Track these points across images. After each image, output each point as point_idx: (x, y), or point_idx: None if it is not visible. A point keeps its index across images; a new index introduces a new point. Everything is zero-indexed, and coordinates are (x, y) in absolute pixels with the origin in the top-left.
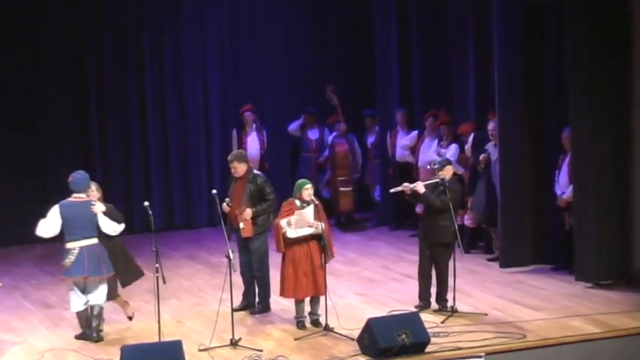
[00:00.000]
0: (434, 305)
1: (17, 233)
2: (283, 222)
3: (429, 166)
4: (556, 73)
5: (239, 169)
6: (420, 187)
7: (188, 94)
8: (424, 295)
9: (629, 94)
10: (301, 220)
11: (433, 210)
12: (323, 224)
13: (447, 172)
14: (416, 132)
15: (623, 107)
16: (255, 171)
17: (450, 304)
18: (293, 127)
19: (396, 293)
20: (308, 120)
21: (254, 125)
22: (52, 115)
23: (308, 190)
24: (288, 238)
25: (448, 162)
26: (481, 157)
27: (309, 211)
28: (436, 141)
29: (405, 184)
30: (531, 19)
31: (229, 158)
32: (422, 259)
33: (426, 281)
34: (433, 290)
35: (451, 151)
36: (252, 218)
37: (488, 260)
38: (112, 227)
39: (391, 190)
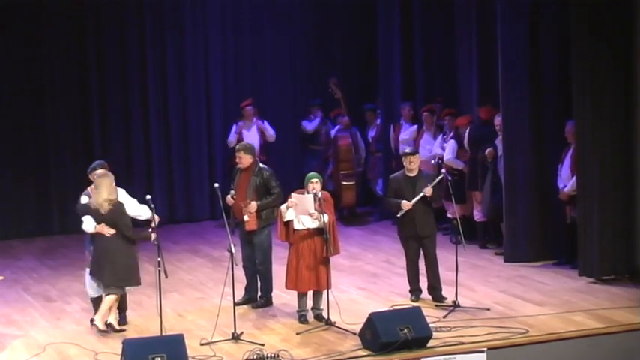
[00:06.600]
0: (426, 294)
1: (18, 226)
2: (283, 207)
3: (432, 161)
4: (560, 67)
5: (244, 160)
6: (428, 191)
7: (190, 88)
8: (415, 287)
9: (632, 88)
10: (300, 205)
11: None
12: (326, 217)
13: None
14: (415, 127)
15: (626, 101)
16: (262, 165)
17: (451, 298)
18: (311, 127)
19: (398, 288)
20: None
21: (254, 119)
22: (53, 108)
23: (312, 184)
24: (295, 230)
25: (415, 152)
26: (487, 151)
27: (307, 199)
28: (441, 135)
29: (404, 202)
30: (535, 14)
31: (237, 147)
32: (409, 252)
33: (414, 272)
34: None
35: (449, 148)
36: (256, 212)
37: (496, 254)
38: None
39: (399, 215)
